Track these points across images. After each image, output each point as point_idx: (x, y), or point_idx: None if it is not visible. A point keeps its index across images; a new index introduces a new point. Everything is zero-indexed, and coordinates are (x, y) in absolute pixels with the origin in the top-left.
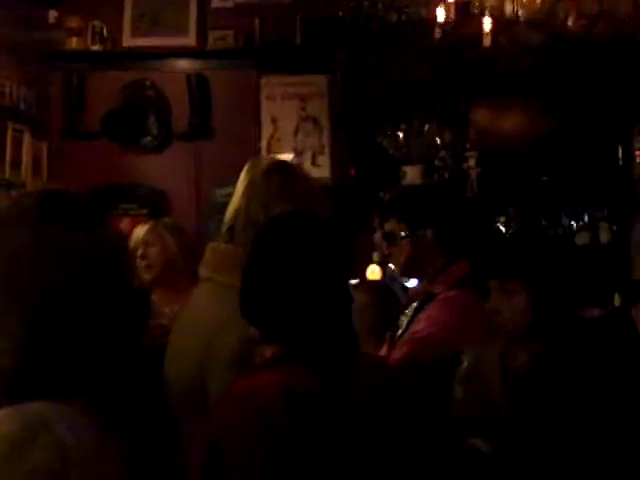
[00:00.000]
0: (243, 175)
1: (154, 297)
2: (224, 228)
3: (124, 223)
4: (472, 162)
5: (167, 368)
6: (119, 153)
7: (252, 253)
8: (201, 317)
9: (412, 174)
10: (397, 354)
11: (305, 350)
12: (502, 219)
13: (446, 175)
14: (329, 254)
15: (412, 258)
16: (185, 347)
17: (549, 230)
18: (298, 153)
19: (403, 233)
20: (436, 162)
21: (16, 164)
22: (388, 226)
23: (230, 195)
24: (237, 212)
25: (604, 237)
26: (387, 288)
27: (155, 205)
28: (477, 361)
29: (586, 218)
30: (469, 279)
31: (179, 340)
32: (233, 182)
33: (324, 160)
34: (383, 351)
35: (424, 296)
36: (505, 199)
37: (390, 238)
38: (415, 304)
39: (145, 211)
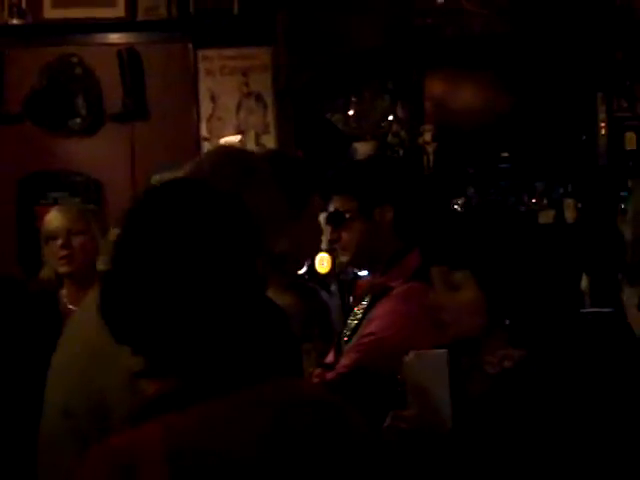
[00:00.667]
0: None
1: (63, 292)
2: None
3: None
4: (428, 137)
5: (51, 384)
6: (45, 137)
7: (117, 240)
8: (91, 326)
9: (364, 151)
10: (344, 362)
11: (200, 383)
12: (460, 200)
13: (401, 152)
14: (228, 238)
15: (365, 243)
16: (73, 362)
17: (509, 209)
18: (241, 132)
19: (353, 210)
20: (389, 138)
21: None
22: (333, 205)
23: None
24: None
25: (569, 215)
26: (309, 287)
27: (88, 193)
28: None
29: (550, 195)
30: (421, 270)
31: (65, 352)
32: (172, 167)
33: (269, 139)
34: (329, 357)
35: (377, 291)
36: (464, 177)
37: (336, 219)
38: (366, 300)
39: (77, 200)
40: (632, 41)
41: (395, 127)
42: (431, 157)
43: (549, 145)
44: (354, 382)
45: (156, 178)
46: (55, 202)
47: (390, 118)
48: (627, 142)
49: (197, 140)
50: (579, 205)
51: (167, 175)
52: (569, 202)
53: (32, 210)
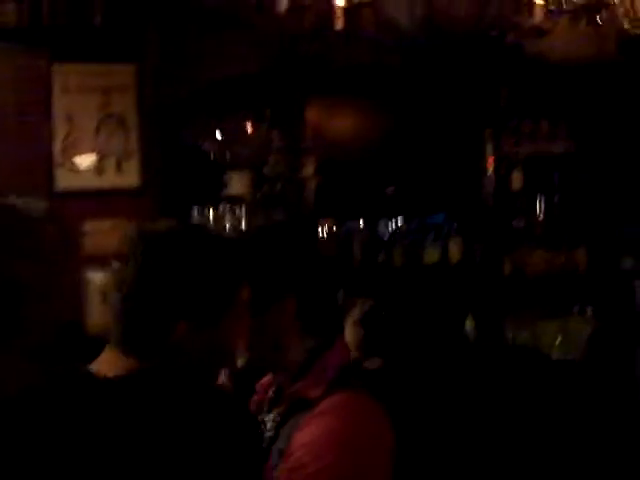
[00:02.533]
0: None
1: None
2: None
3: None
4: (310, 169)
5: None
6: None
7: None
8: None
9: (238, 182)
10: None
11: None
12: None
13: (278, 185)
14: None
15: (262, 343)
16: None
17: (394, 246)
18: (100, 157)
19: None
20: (266, 169)
21: None
22: None
23: None
24: None
25: (454, 254)
26: None
27: None
28: None
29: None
30: (352, 368)
31: None
32: (23, 191)
33: (131, 166)
34: None
35: (292, 400)
36: (348, 213)
37: None
38: (277, 410)
39: None
40: (520, 78)
41: (273, 158)
42: (312, 193)
43: (434, 180)
44: None
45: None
46: None
47: (267, 146)
48: (514, 181)
49: (49, 164)
50: (464, 244)
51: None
52: (455, 241)
53: None
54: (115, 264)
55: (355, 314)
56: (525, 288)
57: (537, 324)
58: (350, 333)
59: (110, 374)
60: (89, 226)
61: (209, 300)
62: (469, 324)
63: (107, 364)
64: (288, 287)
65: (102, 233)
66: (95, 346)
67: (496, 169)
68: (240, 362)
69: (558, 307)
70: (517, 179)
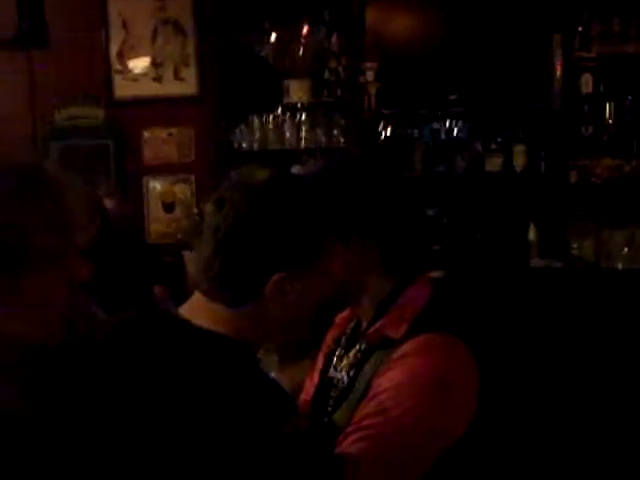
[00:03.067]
0: None
1: None
2: None
3: None
4: (370, 76)
5: None
6: None
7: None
8: None
9: (297, 90)
10: (349, 450)
11: None
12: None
13: (338, 91)
14: None
15: (342, 284)
16: None
17: (459, 156)
18: (157, 64)
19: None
20: (326, 75)
21: None
22: None
23: (75, 117)
24: None
25: (519, 163)
26: None
27: None
28: None
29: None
30: (436, 307)
31: None
32: (77, 101)
33: (189, 73)
34: (304, 396)
35: (373, 340)
36: (411, 120)
37: None
38: (358, 347)
39: None
40: None
41: (332, 63)
42: (373, 98)
43: (500, 88)
44: None
45: (61, 115)
46: None
47: (327, 51)
48: (583, 85)
49: (107, 71)
50: (528, 152)
51: (72, 110)
52: (519, 148)
53: None
54: (208, 207)
55: None
56: (591, 197)
57: (602, 233)
58: None
59: (198, 321)
60: (147, 134)
61: (303, 251)
62: (532, 234)
63: (195, 310)
64: (368, 229)
65: (161, 141)
66: (155, 253)
67: (565, 73)
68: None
69: (624, 216)
70: (587, 83)
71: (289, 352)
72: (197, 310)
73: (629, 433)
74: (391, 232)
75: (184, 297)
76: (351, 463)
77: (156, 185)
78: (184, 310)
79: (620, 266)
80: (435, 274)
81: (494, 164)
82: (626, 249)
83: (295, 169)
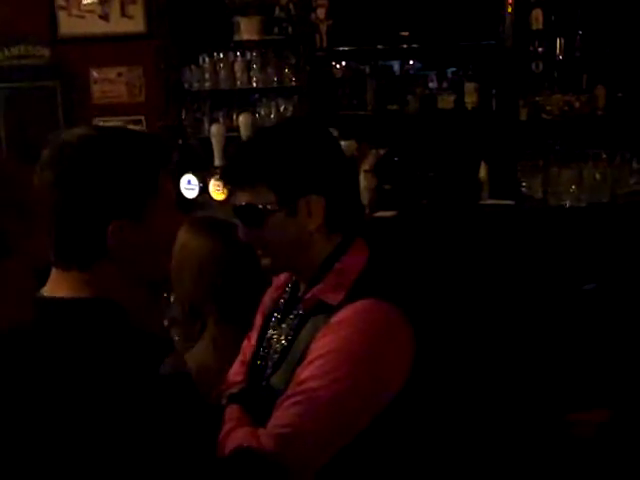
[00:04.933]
0: None
1: None
2: None
3: None
4: (321, 13)
5: None
6: None
7: None
8: None
9: (247, 27)
10: (281, 420)
11: None
12: None
13: (290, 29)
14: None
15: (290, 244)
16: None
17: (411, 93)
18: (103, 0)
19: (270, 206)
20: (277, 12)
21: None
22: (242, 197)
23: (19, 57)
24: None
25: (470, 100)
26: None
27: None
28: None
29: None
30: (373, 272)
31: None
32: (24, 41)
33: (137, 10)
34: (235, 370)
35: (310, 304)
36: (363, 56)
37: (250, 216)
38: (296, 312)
39: None
40: None
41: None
42: (324, 37)
43: (452, 25)
44: (300, 452)
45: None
46: None
47: None
48: (534, 21)
49: (50, 7)
50: (480, 89)
51: (15, 50)
52: (470, 86)
53: None
54: (35, 177)
55: (368, 162)
56: (541, 134)
57: (550, 171)
58: (363, 182)
59: (60, 294)
60: (96, 74)
61: (132, 194)
62: (483, 172)
63: (55, 285)
64: (315, 185)
65: (109, 81)
66: None
67: (515, 9)
68: (265, 262)
69: (573, 153)
70: (537, 19)
71: (189, 334)
72: (56, 284)
73: (575, 381)
74: (336, 185)
75: None
76: (285, 427)
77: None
78: (46, 289)
79: (568, 204)
80: (386, 214)
81: (446, 102)
82: (574, 187)
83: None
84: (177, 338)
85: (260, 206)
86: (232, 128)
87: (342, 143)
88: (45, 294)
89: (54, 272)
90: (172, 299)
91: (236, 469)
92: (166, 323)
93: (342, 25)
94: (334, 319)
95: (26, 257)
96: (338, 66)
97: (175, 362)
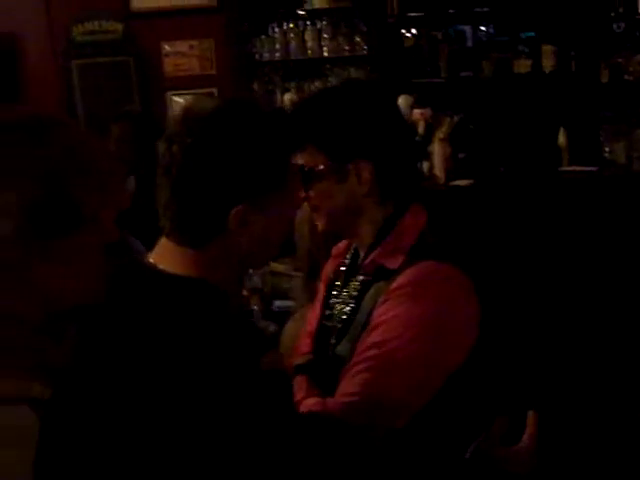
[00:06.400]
0: None
1: None
2: None
3: None
4: None
5: None
6: None
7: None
8: None
9: None
10: (348, 388)
11: None
12: None
13: None
14: None
15: (341, 208)
16: None
17: (485, 59)
18: None
19: (322, 166)
20: None
21: None
22: (302, 158)
23: (93, 32)
24: None
25: (548, 63)
26: None
27: (2, 51)
28: None
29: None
30: (431, 237)
31: None
32: (97, 15)
33: None
34: (303, 343)
35: (370, 271)
36: (439, 21)
37: (305, 176)
38: (357, 279)
39: None
40: None
41: None
42: (395, 2)
43: None
44: (369, 414)
45: (80, 29)
46: None
47: None
48: None
49: None
50: (558, 52)
51: (90, 25)
52: (548, 49)
53: None
54: (160, 147)
55: (443, 131)
56: (623, 96)
57: (635, 134)
58: (438, 150)
59: (167, 266)
60: (168, 48)
61: (262, 181)
62: (562, 138)
63: (163, 255)
64: (364, 150)
65: (181, 54)
66: None
67: None
68: (320, 226)
69: None
70: None
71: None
72: (164, 255)
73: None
74: (387, 152)
75: None
76: (354, 394)
77: (179, 100)
78: (152, 256)
79: None
80: (462, 182)
81: (522, 66)
82: None
83: (317, 86)
84: (256, 308)
85: (307, 168)
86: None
87: (416, 111)
88: (149, 261)
89: (164, 242)
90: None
91: (308, 432)
92: (246, 293)
93: None
94: (395, 284)
95: (99, 228)
96: (409, 33)
97: (274, 359)
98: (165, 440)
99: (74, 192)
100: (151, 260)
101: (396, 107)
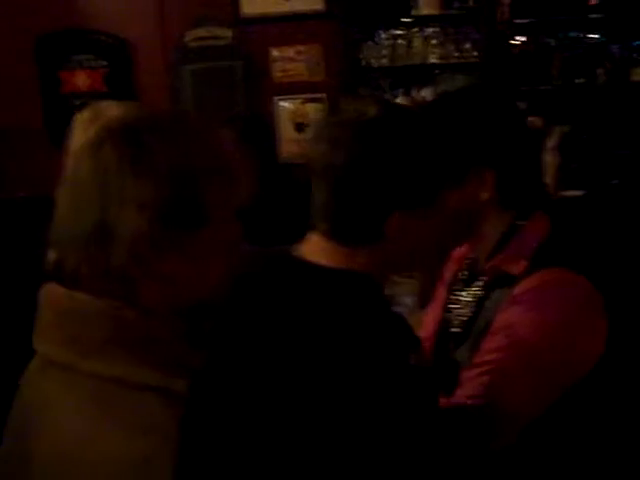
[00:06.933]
0: (82, 146)
1: None
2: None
3: (79, 78)
4: None
5: None
6: None
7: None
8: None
9: (427, 2)
10: (469, 390)
11: None
12: None
13: (471, 2)
14: None
15: (460, 214)
16: None
17: (599, 65)
18: None
19: None
20: None
21: None
22: None
23: (204, 38)
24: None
25: None
26: None
27: (115, 55)
28: None
29: None
30: (556, 241)
31: None
32: (207, 22)
33: None
34: (427, 322)
35: (491, 275)
36: (546, 28)
37: None
38: (478, 284)
39: (104, 63)
40: None
41: None
42: (506, 8)
43: None
44: (489, 419)
45: (191, 35)
46: (80, 65)
47: None
48: None
49: None
50: None
51: (202, 32)
52: None
53: (55, 74)
54: (320, 147)
55: (553, 140)
56: None
57: None
58: (548, 160)
59: (320, 261)
60: (276, 53)
61: (423, 188)
62: None
63: (315, 251)
64: (486, 156)
65: (289, 60)
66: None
67: None
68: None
69: None
70: None
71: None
72: (315, 251)
73: None
74: (513, 162)
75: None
76: (472, 398)
77: (286, 105)
78: (301, 250)
79: None
80: (573, 193)
81: (639, 73)
82: None
83: (425, 92)
84: None
85: None
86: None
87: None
88: (301, 255)
89: (316, 239)
90: None
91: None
92: None
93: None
94: (517, 290)
95: (226, 227)
96: (519, 39)
97: (419, 359)
98: (318, 435)
99: (205, 190)
100: (299, 254)
101: (519, 113)
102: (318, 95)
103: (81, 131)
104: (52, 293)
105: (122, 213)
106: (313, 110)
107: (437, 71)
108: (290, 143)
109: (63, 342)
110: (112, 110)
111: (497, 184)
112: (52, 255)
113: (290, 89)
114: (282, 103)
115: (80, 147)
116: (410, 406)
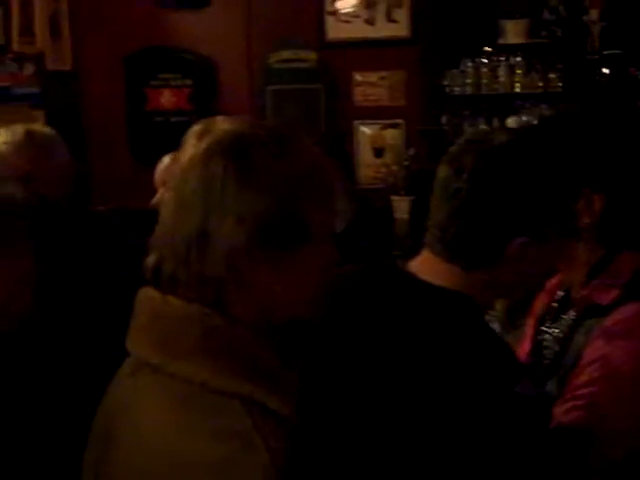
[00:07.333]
0: (191, 159)
1: None
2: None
3: (164, 96)
4: (594, 14)
5: None
6: (153, 10)
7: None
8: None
9: (514, 30)
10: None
11: None
12: None
13: (559, 32)
14: None
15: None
16: None
17: None
18: (369, 5)
19: None
20: (545, 14)
21: (27, 29)
22: None
23: (288, 61)
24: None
25: None
26: None
27: (200, 74)
28: None
29: None
30: None
31: None
32: (292, 44)
33: (402, 14)
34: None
35: (582, 305)
36: (634, 60)
37: None
38: (569, 316)
39: (189, 82)
40: None
41: (553, 1)
42: (596, 39)
43: None
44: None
45: (276, 57)
46: (166, 84)
47: None
48: None
49: (319, 13)
50: None
51: (286, 54)
52: None
53: (141, 91)
54: (443, 171)
55: None
56: None
57: None
58: None
59: (431, 279)
60: (359, 77)
61: (546, 216)
62: None
63: (426, 269)
64: (596, 180)
65: (371, 84)
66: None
67: None
68: None
69: None
70: None
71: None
72: (426, 269)
73: None
74: (623, 184)
75: (391, 241)
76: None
77: (366, 129)
78: (412, 267)
79: None
80: None
81: None
82: None
83: (512, 120)
84: None
85: None
86: None
87: None
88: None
89: (430, 257)
90: None
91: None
92: None
93: (615, 27)
94: (609, 321)
95: (322, 248)
96: (607, 70)
97: (526, 386)
98: (423, 461)
99: (305, 209)
100: (414, 269)
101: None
102: (397, 121)
103: (192, 143)
104: (147, 297)
105: (221, 223)
106: (391, 136)
107: (519, 101)
108: (368, 168)
109: (155, 344)
110: (224, 124)
111: (605, 210)
112: (151, 260)
113: (370, 114)
114: (362, 128)
115: (190, 158)
116: (514, 433)
